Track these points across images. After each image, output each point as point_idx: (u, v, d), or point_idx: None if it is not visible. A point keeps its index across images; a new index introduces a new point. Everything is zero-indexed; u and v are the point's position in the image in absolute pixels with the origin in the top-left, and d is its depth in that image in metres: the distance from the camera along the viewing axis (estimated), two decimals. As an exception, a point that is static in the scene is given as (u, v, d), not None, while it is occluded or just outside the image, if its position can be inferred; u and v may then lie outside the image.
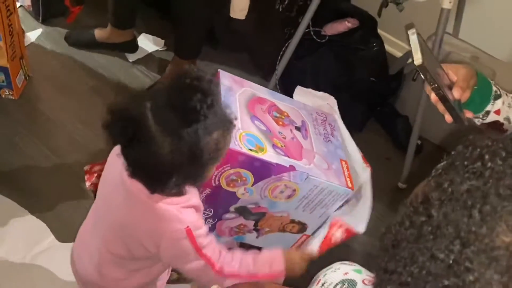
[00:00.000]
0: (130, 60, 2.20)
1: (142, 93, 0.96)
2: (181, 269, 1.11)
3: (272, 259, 1.15)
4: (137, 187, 0.99)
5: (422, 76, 0.88)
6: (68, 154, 1.85)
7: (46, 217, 1.66)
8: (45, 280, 1.56)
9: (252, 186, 1.24)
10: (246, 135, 1.22)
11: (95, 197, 1.70)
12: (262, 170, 1.21)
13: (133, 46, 2.21)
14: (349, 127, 1.76)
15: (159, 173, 0.94)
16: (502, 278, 0.37)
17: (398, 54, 2.36)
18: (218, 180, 1.22)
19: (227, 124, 0.96)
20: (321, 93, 1.57)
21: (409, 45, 0.88)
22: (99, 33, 2.18)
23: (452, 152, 0.46)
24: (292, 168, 1.23)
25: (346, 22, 2.14)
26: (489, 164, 0.41)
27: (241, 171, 1.21)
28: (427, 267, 0.40)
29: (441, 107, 0.93)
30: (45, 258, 1.60)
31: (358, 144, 1.58)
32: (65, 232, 1.64)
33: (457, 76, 0.95)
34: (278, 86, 2.04)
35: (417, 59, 0.86)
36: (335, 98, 2.05)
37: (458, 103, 0.95)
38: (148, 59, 2.23)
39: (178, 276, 1.49)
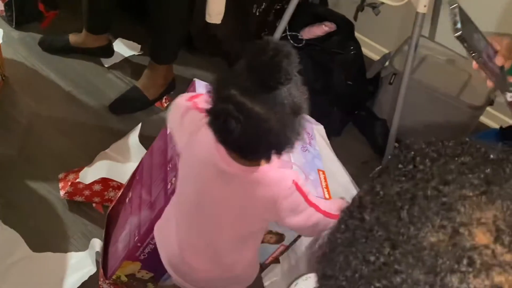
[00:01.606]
0: (106, 65, 2.18)
1: (219, 85, 0.95)
2: (292, 224, 1.10)
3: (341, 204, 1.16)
4: (238, 167, 1.00)
5: (463, 46, 0.97)
6: (42, 162, 1.81)
7: (19, 226, 1.63)
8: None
9: None
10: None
11: (69, 205, 1.68)
12: None
13: (108, 51, 2.19)
14: (327, 132, 1.76)
15: (270, 145, 0.96)
16: (427, 278, 0.37)
17: (375, 57, 2.37)
18: None
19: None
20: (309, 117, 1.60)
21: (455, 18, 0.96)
22: (74, 38, 2.15)
23: (389, 157, 0.47)
24: None
25: (324, 26, 2.14)
26: (420, 166, 0.42)
27: None
28: (359, 270, 0.40)
29: (483, 75, 1.02)
30: (19, 269, 1.57)
31: (336, 149, 1.57)
32: (38, 241, 1.60)
33: (501, 46, 1.04)
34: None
35: (455, 30, 0.94)
36: (313, 102, 2.05)
37: (502, 69, 1.04)
38: (124, 64, 2.21)
39: None
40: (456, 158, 0.42)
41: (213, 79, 0.98)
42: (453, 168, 0.41)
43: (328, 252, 0.44)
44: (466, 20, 0.98)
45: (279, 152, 0.98)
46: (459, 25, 0.95)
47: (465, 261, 0.37)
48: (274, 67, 0.88)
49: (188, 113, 1.11)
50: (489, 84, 1.04)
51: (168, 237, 1.19)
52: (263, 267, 1.51)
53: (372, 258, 0.40)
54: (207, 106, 0.95)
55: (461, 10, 0.97)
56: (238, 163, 1.00)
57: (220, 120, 0.93)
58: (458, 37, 0.95)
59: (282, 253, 1.46)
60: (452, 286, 0.36)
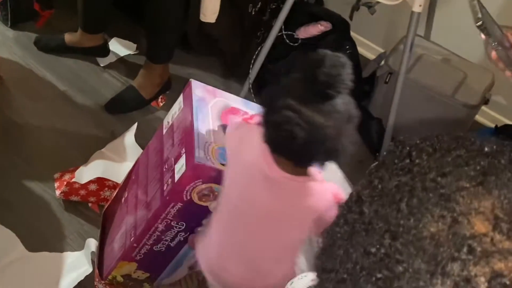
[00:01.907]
0: (101, 65, 2.17)
1: (273, 97, 0.98)
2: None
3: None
4: (285, 175, 1.02)
5: (483, 36, 1.00)
6: (38, 161, 1.81)
7: (16, 226, 1.62)
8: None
9: None
10: (218, 148, 1.21)
11: (65, 205, 1.68)
12: None
13: (104, 51, 2.18)
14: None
15: (327, 152, 0.98)
16: (429, 266, 0.38)
17: (371, 56, 2.37)
18: (190, 195, 1.21)
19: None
20: None
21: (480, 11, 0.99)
22: (69, 38, 2.15)
23: (384, 152, 0.48)
24: None
25: (319, 25, 2.14)
26: (417, 160, 0.44)
27: (213, 186, 1.20)
28: (360, 263, 0.41)
29: (501, 66, 1.05)
30: (15, 269, 1.56)
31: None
32: (34, 241, 1.60)
33: None
34: (251, 90, 2.03)
35: (477, 20, 0.98)
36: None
37: None
38: (120, 64, 2.20)
39: None
40: (452, 152, 0.43)
41: (264, 92, 1.02)
42: (449, 160, 0.42)
43: (327, 247, 0.45)
44: (484, 11, 1.01)
45: (334, 160, 1.01)
46: (480, 15, 0.98)
47: (465, 249, 0.38)
48: (334, 77, 0.93)
49: (241, 125, 1.16)
50: (508, 74, 1.06)
51: (208, 244, 1.19)
52: None
53: (373, 250, 0.40)
54: (261, 118, 0.99)
55: (479, 2, 1.01)
56: (285, 171, 1.02)
57: (282, 128, 0.95)
58: (479, 27, 0.99)
59: None
60: (453, 274, 0.37)
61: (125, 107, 2.02)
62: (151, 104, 2.08)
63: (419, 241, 0.39)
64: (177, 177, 1.20)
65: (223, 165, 1.18)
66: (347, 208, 0.45)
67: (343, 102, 0.95)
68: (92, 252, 1.55)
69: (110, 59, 2.19)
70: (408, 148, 0.45)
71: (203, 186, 1.19)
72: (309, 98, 0.94)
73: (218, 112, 1.30)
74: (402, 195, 0.42)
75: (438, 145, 0.44)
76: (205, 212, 1.25)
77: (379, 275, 0.39)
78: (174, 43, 2.02)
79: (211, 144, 1.21)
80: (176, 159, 1.23)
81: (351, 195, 0.46)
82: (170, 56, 2.03)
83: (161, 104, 2.08)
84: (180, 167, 1.20)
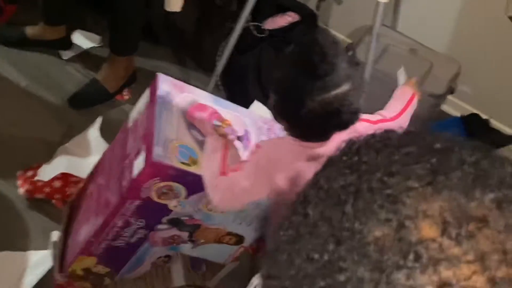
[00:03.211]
0: (64, 58, 2.11)
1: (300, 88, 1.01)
2: None
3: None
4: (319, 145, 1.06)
5: None
6: (0, 158, 1.76)
7: (-24, 226, 1.57)
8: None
9: (185, 199, 1.21)
10: (180, 146, 1.18)
11: (29, 203, 1.63)
12: (195, 184, 1.17)
13: (67, 43, 2.13)
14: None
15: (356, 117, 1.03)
16: (372, 275, 0.35)
17: (339, 47, 2.37)
18: (148, 193, 1.18)
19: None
20: None
21: None
22: (31, 31, 2.08)
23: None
24: None
25: (287, 16, 2.13)
26: (364, 158, 0.40)
27: (173, 185, 1.17)
28: (303, 269, 0.38)
29: None
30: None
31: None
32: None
33: None
34: (219, 82, 2.01)
35: (509, 11, 1.04)
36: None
37: None
38: (83, 57, 2.15)
39: None
40: (401, 149, 0.40)
41: (279, 88, 1.04)
42: (398, 158, 0.39)
43: (272, 251, 0.42)
44: None
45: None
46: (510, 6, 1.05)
47: (411, 256, 0.35)
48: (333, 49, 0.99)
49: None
50: None
51: None
52: (219, 269, 1.51)
53: (316, 256, 0.37)
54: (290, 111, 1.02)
55: None
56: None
57: (330, 108, 0.98)
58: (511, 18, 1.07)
59: (241, 253, 1.47)
60: (399, 283, 0.34)
61: (89, 101, 1.97)
62: (116, 97, 2.03)
63: (363, 247, 0.36)
64: (135, 173, 1.17)
65: (183, 163, 1.15)
66: (292, 210, 0.42)
67: (347, 67, 1.00)
68: (54, 242, 1.51)
69: (73, 52, 2.14)
70: (357, 144, 0.42)
71: (162, 184, 1.17)
72: (322, 74, 0.98)
73: (184, 108, 1.28)
74: (348, 196, 0.38)
75: (388, 141, 0.41)
76: (165, 210, 1.23)
77: (322, 283, 0.37)
78: (137, 35, 1.98)
79: (172, 141, 1.18)
80: (136, 155, 1.21)
81: (298, 195, 0.43)
82: (134, 48, 1.99)
83: (126, 98, 2.04)
84: (138, 164, 1.18)
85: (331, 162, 0.42)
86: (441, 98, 2.05)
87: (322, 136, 1.04)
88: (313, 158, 1.05)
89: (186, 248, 1.39)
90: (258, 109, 1.66)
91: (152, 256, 1.38)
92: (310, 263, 0.38)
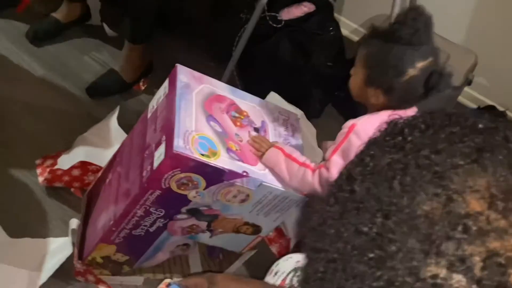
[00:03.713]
0: (109, 35, 2.16)
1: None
2: None
3: None
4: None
5: None
6: (19, 147, 1.78)
7: (-4, 213, 1.60)
8: (0, 276, 1.50)
9: (204, 190, 1.22)
10: (199, 138, 1.20)
11: (48, 191, 1.65)
12: (214, 175, 1.19)
13: (88, 16, 2.19)
14: (307, 114, 1.76)
15: None
16: (423, 246, 0.37)
17: (355, 38, 2.36)
18: (168, 183, 1.19)
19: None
20: (292, 106, 1.63)
21: None
22: (60, 15, 2.11)
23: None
24: (245, 174, 1.21)
25: (302, 7, 2.12)
26: (409, 137, 0.42)
27: (192, 176, 1.19)
28: (352, 242, 0.40)
29: None
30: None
31: (316, 130, 1.57)
32: (16, 227, 1.58)
33: None
34: (235, 72, 2.01)
35: None
36: (293, 84, 2.04)
37: None
38: (100, 47, 2.16)
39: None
40: (445, 128, 0.42)
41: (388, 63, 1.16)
42: (443, 137, 0.41)
43: (317, 226, 0.44)
44: None
45: None
46: None
47: (460, 228, 0.37)
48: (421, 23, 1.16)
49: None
50: None
51: None
52: (237, 258, 1.53)
53: (365, 229, 0.39)
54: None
55: None
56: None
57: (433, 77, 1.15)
58: None
59: (258, 242, 1.48)
60: (448, 253, 0.36)
61: (107, 91, 1.99)
62: (133, 87, 2.05)
63: (412, 220, 0.38)
64: (155, 164, 1.19)
65: (202, 155, 1.17)
66: (337, 186, 0.44)
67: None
68: (73, 230, 1.53)
69: (114, 33, 2.17)
70: (400, 125, 0.44)
71: (182, 175, 1.18)
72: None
73: (202, 100, 1.28)
74: (395, 172, 0.40)
75: (431, 122, 0.43)
76: (184, 201, 1.25)
77: (371, 255, 0.38)
78: (150, 22, 1.98)
79: (192, 133, 1.19)
80: (157, 146, 1.22)
81: (341, 173, 0.45)
82: (148, 35, 2.00)
83: (143, 88, 2.06)
84: (159, 155, 1.19)
85: (373, 142, 0.44)
86: (458, 89, 2.04)
87: (419, 99, 1.17)
88: None
89: (204, 237, 1.40)
90: (274, 99, 1.66)
91: (171, 244, 1.40)
92: (358, 236, 0.40)
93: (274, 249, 1.65)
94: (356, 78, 1.25)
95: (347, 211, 0.41)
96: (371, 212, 0.40)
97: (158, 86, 1.39)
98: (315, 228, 0.44)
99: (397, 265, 0.37)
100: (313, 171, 1.24)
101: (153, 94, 1.41)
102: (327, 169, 1.22)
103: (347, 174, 0.44)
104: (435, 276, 0.36)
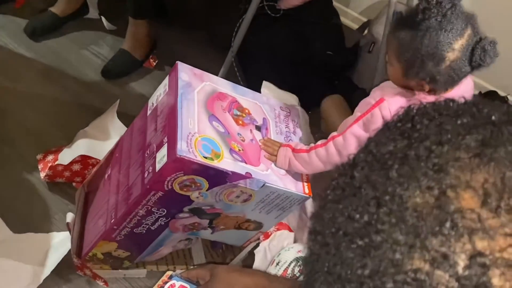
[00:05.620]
0: (108, 29, 2.18)
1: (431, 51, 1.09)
2: None
3: None
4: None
5: None
6: (20, 142, 1.78)
7: (-1, 209, 1.60)
8: (5, 272, 1.51)
9: (206, 191, 1.22)
10: (202, 139, 1.18)
11: (49, 185, 1.65)
12: (217, 177, 1.19)
13: (86, 9, 2.19)
14: (307, 103, 1.76)
15: None
16: (408, 239, 0.36)
17: (354, 26, 2.35)
18: (171, 185, 1.19)
19: None
20: (287, 93, 1.61)
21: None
22: (57, 9, 2.12)
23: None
24: (248, 175, 1.21)
25: (301, -5, 2.11)
26: (418, 125, 0.41)
27: (195, 178, 1.18)
28: (343, 228, 0.40)
29: None
30: (2, 251, 1.55)
31: (316, 120, 1.56)
32: (19, 223, 1.58)
33: None
34: (234, 63, 2.01)
35: None
36: (293, 73, 2.03)
37: None
38: (99, 40, 2.16)
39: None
40: (456, 118, 0.40)
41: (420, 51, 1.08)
42: (450, 128, 0.40)
43: (319, 209, 0.44)
44: None
45: None
46: None
47: (447, 224, 0.36)
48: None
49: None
50: None
51: None
52: (240, 249, 1.53)
53: (356, 216, 0.39)
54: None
55: None
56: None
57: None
58: None
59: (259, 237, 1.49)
60: (432, 249, 0.35)
61: (122, 71, 2.03)
62: (144, 65, 2.08)
63: (401, 211, 0.37)
64: (158, 166, 1.18)
65: (205, 158, 1.16)
66: (341, 171, 0.44)
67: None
68: (68, 224, 1.53)
69: (114, 26, 2.19)
70: (414, 111, 0.43)
71: (185, 177, 1.17)
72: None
73: (204, 99, 1.27)
74: (394, 161, 0.39)
75: (444, 110, 0.42)
76: (187, 201, 1.24)
77: (360, 242, 0.38)
78: None
79: (195, 135, 1.18)
80: (158, 147, 1.21)
81: (348, 158, 0.44)
82: (150, 10, 2.02)
83: (154, 64, 2.10)
84: (161, 157, 1.18)
85: (386, 127, 0.43)
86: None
87: (463, 77, 1.13)
88: None
89: (206, 233, 1.40)
90: (268, 88, 1.65)
91: (172, 240, 1.40)
92: (350, 222, 0.39)
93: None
94: (394, 71, 1.16)
95: (345, 197, 0.41)
96: (366, 200, 0.39)
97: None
98: (317, 211, 0.44)
99: (381, 255, 0.37)
100: (324, 144, 1.22)
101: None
102: (344, 138, 1.19)
103: (352, 159, 0.43)
104: (417, 270, 0.35)
